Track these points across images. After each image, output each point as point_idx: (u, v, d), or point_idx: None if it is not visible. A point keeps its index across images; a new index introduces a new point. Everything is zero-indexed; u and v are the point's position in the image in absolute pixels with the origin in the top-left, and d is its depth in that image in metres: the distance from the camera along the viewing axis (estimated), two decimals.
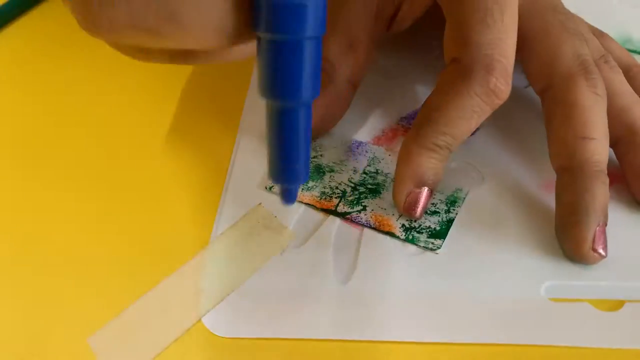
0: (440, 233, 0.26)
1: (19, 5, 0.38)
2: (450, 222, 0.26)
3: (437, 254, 0.25)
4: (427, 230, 0.26)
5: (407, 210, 0.26)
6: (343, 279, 0.25)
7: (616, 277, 0.24)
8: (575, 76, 0.25)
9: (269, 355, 0.23)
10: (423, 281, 0.24)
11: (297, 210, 0.27)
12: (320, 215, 0.27)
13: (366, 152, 0.29)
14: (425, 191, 0.25)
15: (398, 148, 0.29)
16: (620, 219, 0.26)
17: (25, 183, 0.29)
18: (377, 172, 0.28)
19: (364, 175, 0.28)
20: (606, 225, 0.24)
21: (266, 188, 0.28)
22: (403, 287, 0.24)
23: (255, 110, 0.31)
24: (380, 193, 0.27)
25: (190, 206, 0.27)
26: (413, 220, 0.26)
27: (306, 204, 0.27)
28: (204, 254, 0.26)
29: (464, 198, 0.27)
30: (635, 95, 0.27)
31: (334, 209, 0.27)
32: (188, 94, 0.33)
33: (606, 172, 0.25)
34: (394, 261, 0.25)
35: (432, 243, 0.25)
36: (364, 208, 0.27)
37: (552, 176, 0.26)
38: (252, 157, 0.29)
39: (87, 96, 0.33)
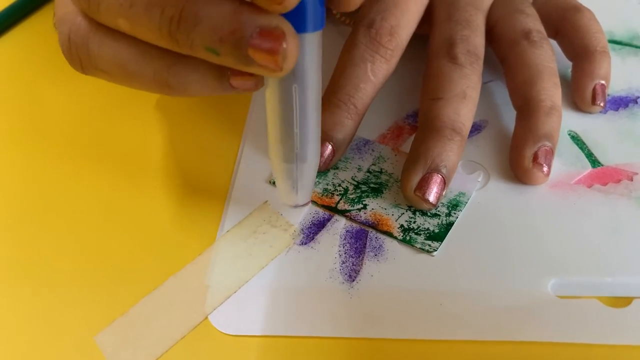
0: (439, 236, 0.26)
1: (19, 10, 0.39)
2: (449, 225, 0.26)
3: (433, 256, 0.25)
4: (425, 232, 0.26)
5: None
6: (349, 278, 0.24)
7: (624, 274, 0.24)
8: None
9: (275, 353, 0.23)
10: (429, 280, 0.24)
11: (303, 209, 0.27)
12: (326, 214, 0.27)
13: (372, 150, 0.29)
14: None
15: (404, 146, 0.29)
16: (629, 216, 0.26)
17: (31, 182, 0.30)
18: (381, 172, 0.28)
19: (368, 174, 0.28)
20: (438, 172, 0.26)
21: (270, 182, 0.28)
22: (410, 286, 0.24)
23: (262, 108, 0.31)
24: (383, 192, 0.27)
25: (197, 204, 0.28)
26: (412, 221, 0.26)
27: None
28: (211, 251, 0.26)
29: (467, 202, 0.27)
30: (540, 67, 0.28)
31: (334, 205, 0.27)
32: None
33: (455, 128, 0.27)
34: (401, 260, 0.25)
35: (430, 245, 0.25)
36: (365, 207, 0.27)
37: (559, 175, 0.27)
38: (258, 156, 0.29)
39: (93, 97, 0.33)
